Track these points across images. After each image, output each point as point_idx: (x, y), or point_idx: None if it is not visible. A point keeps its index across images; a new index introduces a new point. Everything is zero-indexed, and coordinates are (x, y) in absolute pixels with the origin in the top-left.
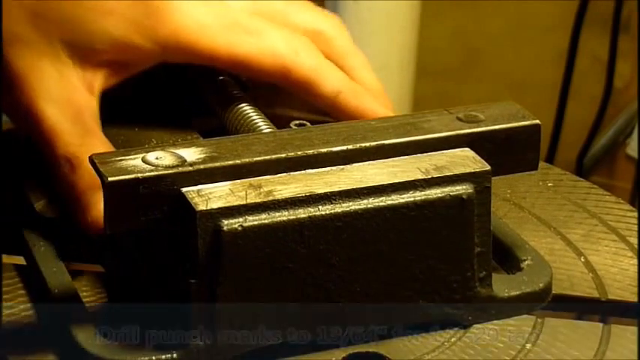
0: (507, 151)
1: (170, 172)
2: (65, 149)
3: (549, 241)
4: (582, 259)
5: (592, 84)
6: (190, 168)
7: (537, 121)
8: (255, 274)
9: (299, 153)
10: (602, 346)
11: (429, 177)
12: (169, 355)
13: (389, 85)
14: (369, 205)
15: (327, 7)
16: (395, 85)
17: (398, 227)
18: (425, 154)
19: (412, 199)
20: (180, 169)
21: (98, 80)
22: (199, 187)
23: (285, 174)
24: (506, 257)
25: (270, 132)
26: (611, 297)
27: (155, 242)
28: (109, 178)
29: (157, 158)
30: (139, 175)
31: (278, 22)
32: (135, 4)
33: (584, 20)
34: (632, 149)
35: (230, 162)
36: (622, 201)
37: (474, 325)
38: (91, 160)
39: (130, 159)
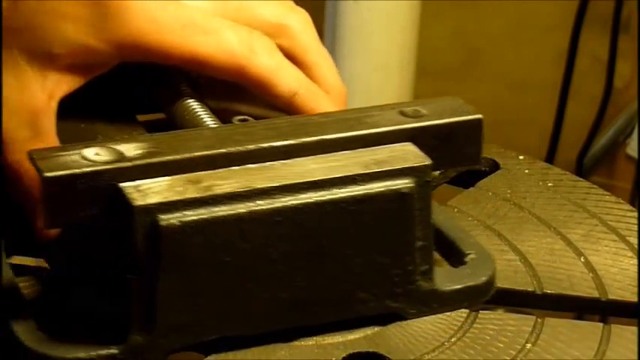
0: (450, 146)
1: (108, 167)
2: (18, 156)
3: (549, 241)
4: (582, 259)
5: (592, 84)
6: (128, 163)
7: (479, 116)
8: (194, 269)
9: (239, 148)
10: (602, 346)
11: (369, 171)
12: (109, 351)
13: (389, 85)
14: (309, 200)
15: (327, 7)
16: (395, 85)
17: (338, 222)
18: (367, 148)
19: (352, 193)
20: (118, 165)
21: (59, 85)
22: (138, 182)
23: (225, 169)
24: (451, 251)
25: (212, 127)
26: (611, 297)
27: (95, 238)
28: (46, 174)
29: (95, 154)
30: (77, 170)
31: (243, 16)
32: (90, 7)
33: (584, 20)
34: (632, 149)
35: (169, 157)
36: (622, 201)
37: (474, 325)
38: (30, 155)
39: (69, 154)
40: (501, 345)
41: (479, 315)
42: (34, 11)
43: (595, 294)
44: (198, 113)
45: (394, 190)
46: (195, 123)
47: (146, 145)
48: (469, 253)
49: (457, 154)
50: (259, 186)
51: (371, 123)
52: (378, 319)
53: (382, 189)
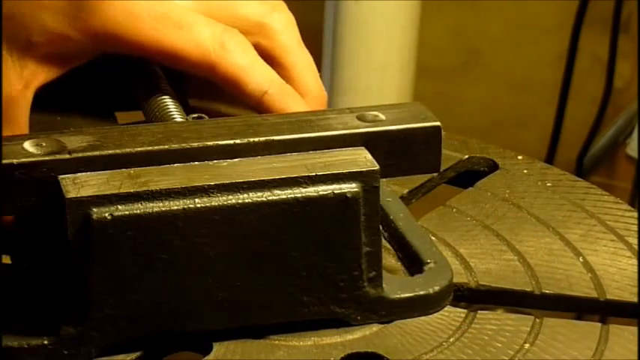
0: (406, 152)
1: (46, 158)
2: None
3: (548, 241)
4: (581, 259)
5: (592, 84)
6: (68, 156)
7: (437, 123)
8: (128, 264)
9: (184, 145)
10: (601, 346)
11: (313, 174)
12: (40, 341)
13: (389, 85)
14: (247, 200)
15: (327, 7)
16: (395, 85)
17: (279, 223)
18: (317, 151)
19: (293, 195)
20: (58, 157)
21: (35, 75)
22: (77, 175)
23: (167, 165)
24: (411, 259)
25: (162, 123)
26: (609, 297)
27: (35, 228)
28: None
29: (38, 145)
30: (14, 160)
31: (224, 14)
32: None
33: (584, 20)
34: (632, 149)
35: (110, 151)
36: (620, 201)
37: (473, 325)
38: None
39: (13, 144)
40: (500, 345)
41: (477, 315)
42: (15, 0)
43: (593, 294)
44: (170, 111)
45: (338, 193)
46: (165, 119)
47: (91, 138)
48: (428, 262)
49: (415, 162)
50: (196, 184)
51: (324, 126)
52: (326, 323)
53: (325, 192)
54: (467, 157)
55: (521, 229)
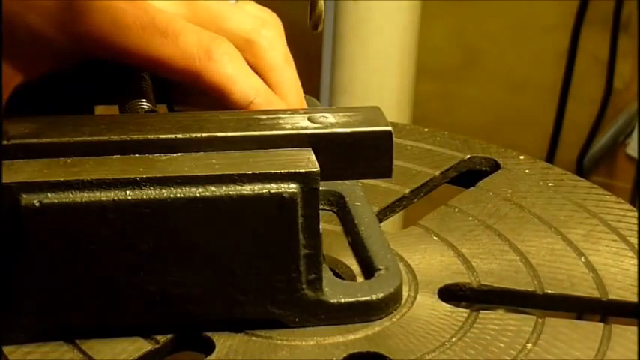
0: (355, 156)
1: None
2: None
3: (550, 241)
4: (583, 259)
5: (592, 84)
6: (6, 142)
7: (389, 128)
8: (56, 252)
9: (123, 137)
10: (603, 346)
11: (249, 172)
12: None
13: (388, 86)
14: (180, 195)
15: (327, 7)
16: (394, 85)
17: (213, 220)
18: (260, 150)
19: (228, 193)
20: None
21: (16, 75)
22: (13, 161)
23: (106, 157)
24: (367, 265)
25: (109, 115)
26: (611, 297)
27: None
28: None
29: None
30: None
31: (212, 28)
32: (56, 1)
33: (584, 20)
34: (632, 149)
35: (48, 140)
36: (622, 201)
37: (475, 325)
38: None
39: None
40: (502, 345)
41: (479, 315)
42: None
43: (595, 294)
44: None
45: (275, 193)
46: None
47: (35, 126)
48: (380, 269)
49: (365, 166)
50: (128, 176)
51: (270, 125)
52: (261, 324)
53: (260, 191)
54: (469, 157)
55: (523, 229)
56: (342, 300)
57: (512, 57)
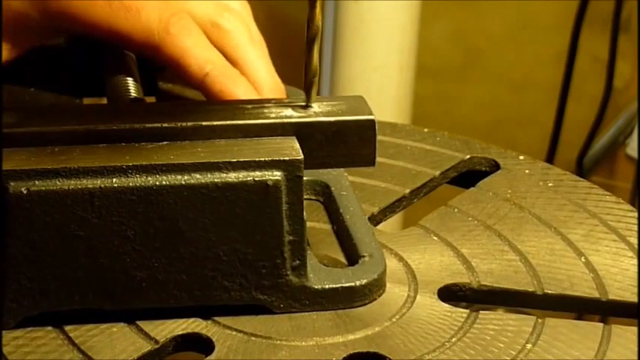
0: (339, 144)
1: None
2: None
3: (550, 241)
4: (583, 259)
5: (592, 84)
6: None
7: (372, 117)
8: (44, 239)
9: (110, 126)
10: (603, 346)
11: (234, 160)
12: None
13: (389, 85)
14: (165, 182)
15: (327, 7)
16: (395, 85)
17: (198, 207)
18: (245, 139)
19: (212, 180)
20: None
21: (5, 51)
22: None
23: (92, 145)
24: (351, 252)
25: (96, 104)
26: (611, 297)
27: None
28: None
29: None
30: None
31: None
32: None
33: (584, 20)
34: (632, 149)
35: (35, 129)
36: (622, 201)
37: (475, 325)
38: None
39: None
40: (502, 345)
41: (479, 315)
42: None
43: (595, 294)
44: (130, 91)
45: (259, 181)
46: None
47: (22, 115)
48: (364, 256)
49: (349, 154)
50: (114, 163)
51: (255, 114)
52: (248, 309)
53: (245, 179)
54: (468, 157)
55: (523, 230)
56: (327, 286)
57: (513, 57)
